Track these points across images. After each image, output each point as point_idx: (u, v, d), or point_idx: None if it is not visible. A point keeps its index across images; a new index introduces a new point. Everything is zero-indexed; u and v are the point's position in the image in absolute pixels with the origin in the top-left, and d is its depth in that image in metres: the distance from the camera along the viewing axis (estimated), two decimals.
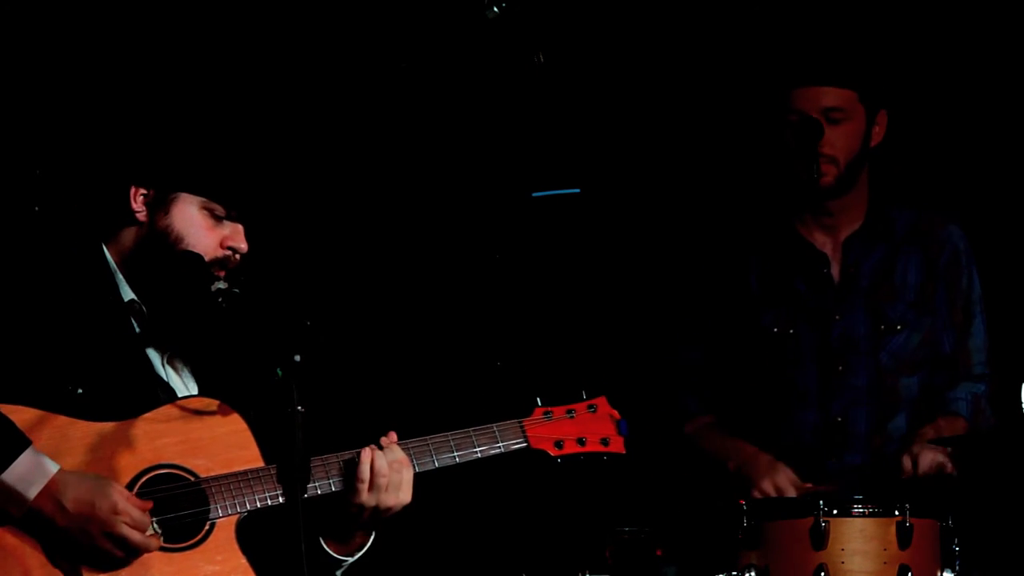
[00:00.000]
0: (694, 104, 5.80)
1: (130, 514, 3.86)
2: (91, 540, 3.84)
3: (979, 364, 5.22)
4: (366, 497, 4.05)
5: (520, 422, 4.25)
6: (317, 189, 5.57)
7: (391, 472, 4.05)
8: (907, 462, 4.98)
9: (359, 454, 4.06)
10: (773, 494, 4.99)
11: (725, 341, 5.24)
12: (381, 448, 4.08)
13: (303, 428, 3.63)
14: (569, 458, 4.28)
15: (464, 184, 5.69)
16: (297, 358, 3.66)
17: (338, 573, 4.16)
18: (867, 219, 5.22)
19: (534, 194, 5.59)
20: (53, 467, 3.84)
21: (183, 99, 5.18)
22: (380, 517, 4.09)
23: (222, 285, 4.02)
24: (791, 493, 4.98)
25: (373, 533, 4.16)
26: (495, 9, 4.77)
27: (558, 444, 4.26)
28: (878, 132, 5.18)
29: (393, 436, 4.12)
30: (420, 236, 5.70)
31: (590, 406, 4.32)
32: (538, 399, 4.30)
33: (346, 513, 4.09)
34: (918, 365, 5.19)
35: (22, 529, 3.85)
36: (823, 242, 5.21)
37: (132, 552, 3.87)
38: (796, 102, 5.09)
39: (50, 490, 3.82)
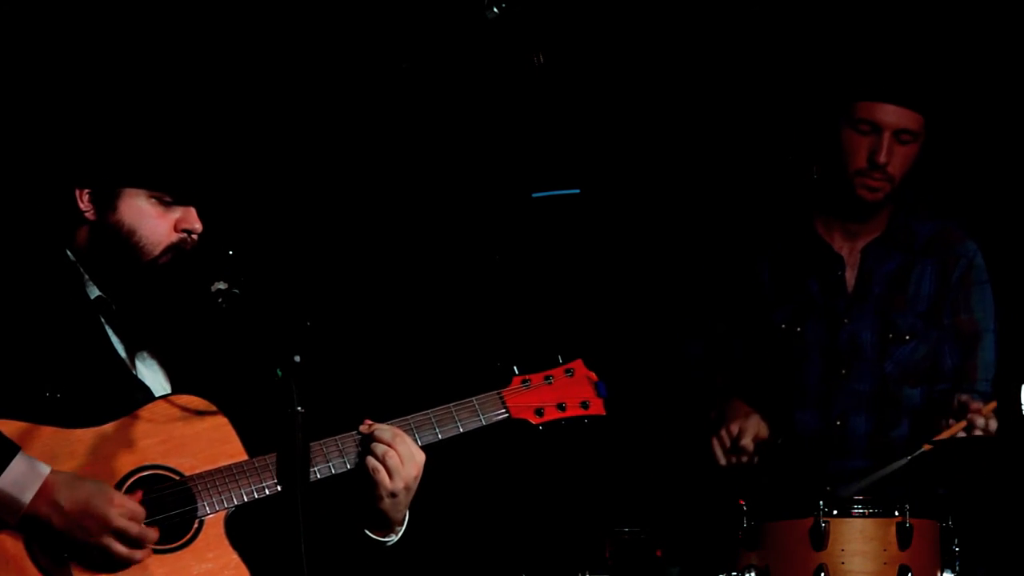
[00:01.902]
0: (702, 99, 5.80)
1: (126, 506, 3.85)
2: (88, 538, 3.83)
3: (983, 381, 5.21)
4: (388, 482, 4.05)
5: (499, 393, 4.22)
6: (316, 188, 5.58)
7: (397, 445, 4.05)
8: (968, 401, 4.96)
9: (344, 440, 4.06)
10: (727, 440, 4.99)
11: (734, 334, 5.24)
12: (367, 436, 4.09)
13: (303, 429, 3.63)
14: (551, 424, 4.25)
15: (464, 184, 5.69)
16: (297, 358, 3.66)
17: (387, 545, 4.15)
18: (888, 228, 5.21)
19: (534, 195, 5.60)
20: (45, 469, 3.82)
21: (118, 94, 5.15)
22: (412, 491, 4.09)
23: (222, 285, 4.01)
24: (745, 440, 4.97)
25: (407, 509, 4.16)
26: (495, 9, 4.77)
27: (538, 412, 4.24)
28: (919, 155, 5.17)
29: (368, 422, 4.12)
30: (419, 236, 5.70)
31: (567, 370, 4.29)
32: (515, 368, 4.26)
33: (378, 505, 4.07)
34: (922, 376, 5.19)
35: (16, 536, 3.83)
36: (840, 245, 5.20)
37: (131, 544, 3.85)
38: (869, 113, 5.04)
39: (45, 492, 3.81)
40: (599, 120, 5.75)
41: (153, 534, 3.88)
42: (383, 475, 4.05)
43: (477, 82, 5.53)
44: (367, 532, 4.11)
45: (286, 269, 5.29)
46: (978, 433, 4.91)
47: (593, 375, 4.31)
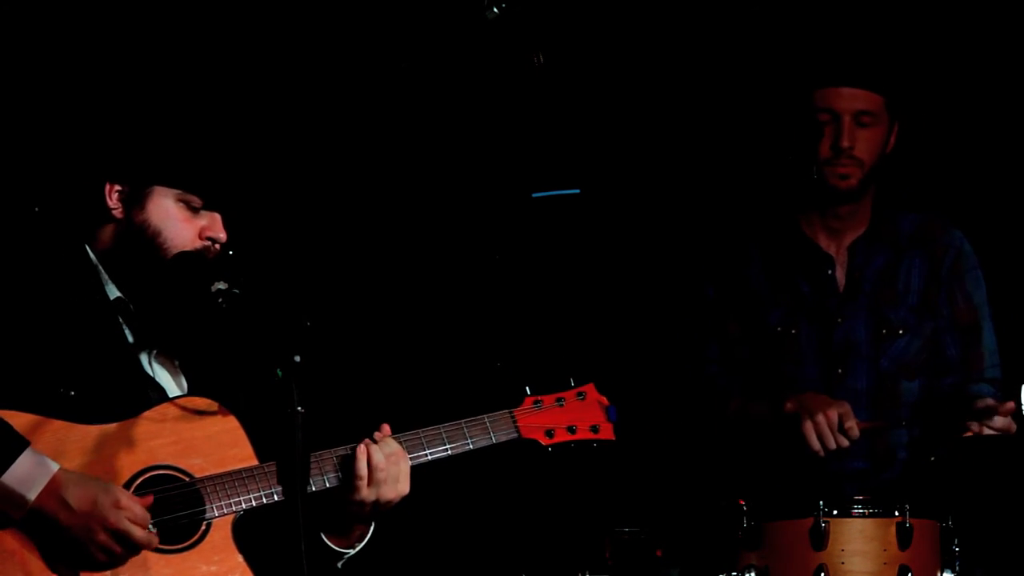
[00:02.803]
0: (694, 102, 5.80)
1: (132, 509, 3.85)
2: (93, 537, 3.83)
3: (991, 367, 5.22)
4: (366, 493, 4.07)
5: (511, 412, 4.26)
6: (316, 189, 5.58)
7: (389, 465, 4.07)
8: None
9: (354, 450, 4.07)
10: (832, 423, 4.94)
11: (732, 338, 5.23)
12: (375, 442, 4.09)
13: (303, 428, 3.63)
14: (560, 447, 4.29)
15: (464, 184, 5.69)
16: (297, 358, 3.66)
17: (339, 564, 4.16)
18: (871, 224, 5.22)
19: (534, 195, 5.60)
20: (53, 466, 3.83)
21: (155, 92, 5.17)
22: (380, 510, 4.11)
23: (222, 285, 4.01)
24: (850, 422, 4.93)
25: (372, 524, 4.16)
26: (495, 9, 4.77)
27: (549, 433, 4.28)
28: (891, 142, 5.18)
29: (387, 429, 4.13)
30: (419, 236, 5.70)
31: (579, 393, 4.34)
32: (527, 388, 4.30)
33: (346, 509, 4.10)
34: (919, 370, 5.19)
35: (22, 531, 3.84)
36: (827, 244, 5.21)
37: (133, 548, 3.85)
38: (825, 101, 5.07)
39: (52, 489, 3.81)
40: (599, 120, 5.75)
41: (155, 540, 3.89)
42: (363, 482, 4.06)
43: (477, 82, 5.53)
44: (323, 536, 4.12)
45: (286, 269, 5.29)
46: (994, 431, 4.91)
47: (604, 399, 4.35)
